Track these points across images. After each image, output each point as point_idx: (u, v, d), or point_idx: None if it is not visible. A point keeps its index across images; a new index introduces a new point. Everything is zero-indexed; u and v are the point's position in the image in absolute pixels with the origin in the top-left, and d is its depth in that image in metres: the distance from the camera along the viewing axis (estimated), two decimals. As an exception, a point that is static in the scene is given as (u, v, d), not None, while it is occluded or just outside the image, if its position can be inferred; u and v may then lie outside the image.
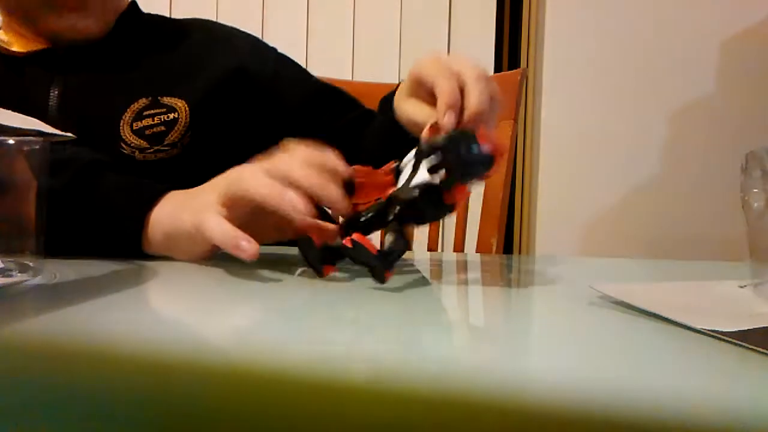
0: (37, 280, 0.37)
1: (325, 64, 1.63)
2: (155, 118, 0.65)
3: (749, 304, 0.34)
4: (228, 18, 1.75)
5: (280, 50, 0.83)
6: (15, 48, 0.67)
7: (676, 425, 0.17)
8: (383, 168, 0.46)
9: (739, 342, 0.25)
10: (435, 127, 0.43)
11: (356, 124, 0.73)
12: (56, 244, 0.40)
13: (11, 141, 0.35)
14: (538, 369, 0.23)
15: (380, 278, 0.39)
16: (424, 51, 1.60)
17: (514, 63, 1.59)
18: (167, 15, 0.82)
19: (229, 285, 0.41)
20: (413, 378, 0.21)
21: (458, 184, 0.39)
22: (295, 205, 0.40)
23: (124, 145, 0.64)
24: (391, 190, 0.43)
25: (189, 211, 0.47)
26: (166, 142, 0.65)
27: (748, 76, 1.49)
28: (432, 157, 0.40)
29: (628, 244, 1.56)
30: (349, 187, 0.45)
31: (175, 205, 0.50)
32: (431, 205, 0.40)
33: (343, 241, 0.39)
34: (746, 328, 0.27)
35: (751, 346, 0.24)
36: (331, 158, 0.44)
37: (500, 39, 1.60)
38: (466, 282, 0.48)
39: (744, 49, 1.49)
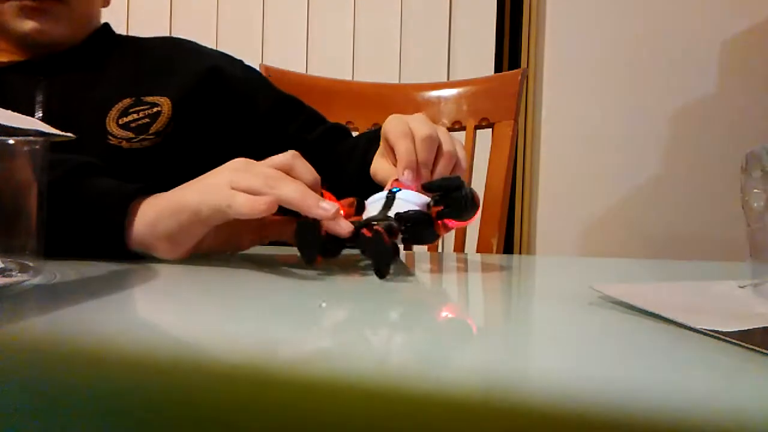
0: (37, 280, 0.37)
1: (325, 64, 1.63)
2: (140, 113, 0.71)
3: (749, 304, 0.34)
4: (228, 18, 1.76)
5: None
6: None
7: (676, 425, 0.17)
8: (343, 200, 0.51)
9: (739, 342, 0.25)
10: (397, 182, 0.51)
11: (326, 139, 0.79)
12: (47, 242, 0.40)
13: (11, 141, 0.35)
14: (539, 369, 0.23)
15: (385, 272, 0.42)
16: (424, 51, 1.60)
17: (514, 63, 1.59)
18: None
19: (228, 285, 0.41)
20: (412, 378, 0.21)
21: (450, 219, 0.46)
22: (328, 215, 0.43)
23: (111, 137, 0.69)
24: (354, 219, 0.47)
25: (194, 193, 0.48)
26: (150, 131, 0.70)
27: (749, 76, 1.49)
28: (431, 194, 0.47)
29: (628, 244, 1.56)
30: None
31: (165, 198, 0.50)
32: (427, 226, 0.46)
33: (362, 230, 0.43)
34: (746, 328, 0.27)
35: (751, 346, 0.24)
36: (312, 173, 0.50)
37: (500, 39, 1.60)
38: (466, 282, 0.48)
39: (744, 49, 1.49)
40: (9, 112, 0.36)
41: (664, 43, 1.53)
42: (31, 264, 0.36)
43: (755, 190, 0.36)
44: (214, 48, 0.85)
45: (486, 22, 1.60)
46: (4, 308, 0.31)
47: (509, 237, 1.60)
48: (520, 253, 1.60)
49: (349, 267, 0.48)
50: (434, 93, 1.02)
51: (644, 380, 0.21)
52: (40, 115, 0.69)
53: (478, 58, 1.59)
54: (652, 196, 1.54)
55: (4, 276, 0.35)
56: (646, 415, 0.18)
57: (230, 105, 0.78)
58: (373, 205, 0.49)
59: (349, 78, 1.61)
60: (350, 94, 1.05)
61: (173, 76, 0.75)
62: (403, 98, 1.03)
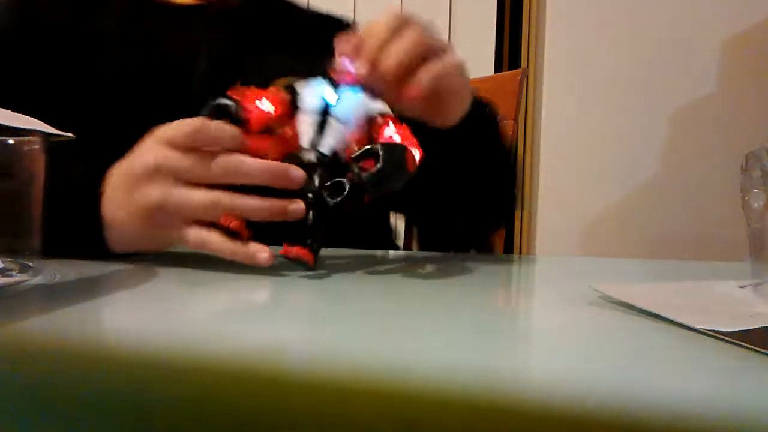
0: (37, 280, 0.37)
1: (325, 64, 1.63)
2: None
3: (749, 304, 0.34)
4: (228, 18, 1.75)
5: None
6: None
7: (676, 425, 0.17)
8: (274, 89, 0.47)
9: (739, 342, 0.25)
10: (336, 72, 0.47)
11: None
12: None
13: (11, 141, 0.35)
14: (538, 369, 0.23)
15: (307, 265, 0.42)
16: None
17: (514, 63, 1.59)
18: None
19: (229, 284, 0.41)
20: (412, 378, 0.21)
21: (377, 190, 0.42)
22: (300, 214, 0.42)
23: None
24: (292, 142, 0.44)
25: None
26: None
27: (749, 76, 1.49)
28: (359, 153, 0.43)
29: (628, 244, 1.56)
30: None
31: (121, 205, 0.45)
32: (354, 201, 0.42)
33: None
34: (746, 328, 0.27)
35: (751, 346, 0.24)
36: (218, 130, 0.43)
37: (500, 39, 1.60)
38: (466, 282, 0.48)
39: (744, 49, 1.49)
40: (9, 112, 0.36)
41: (664, 43, 1.53)
42: (31, 264, 0.36)
43: (755, 190, 0.36)
44: None
45: (486, 22, 1.60)
46: (4, 308, 0.31)
47: (509, 237, 1.60)
48: (520, 253, 1.60)
49: (349, 267, 0.48)
50: (434, 93, 1.02)
51: (644, 380, 0.21)
52: (205, 69, 0.66)
53: (478, 58, 1.59)
54: (652, 196, 1.54)
55: (4, 276, 0.35)
56: (646, 415, 0.18)
57: None
58: (305, 117, 0.46)
59: (349, 78, 1.61)
60: (350, 94, 1.05)
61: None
62: (403, 98, 1.03)
